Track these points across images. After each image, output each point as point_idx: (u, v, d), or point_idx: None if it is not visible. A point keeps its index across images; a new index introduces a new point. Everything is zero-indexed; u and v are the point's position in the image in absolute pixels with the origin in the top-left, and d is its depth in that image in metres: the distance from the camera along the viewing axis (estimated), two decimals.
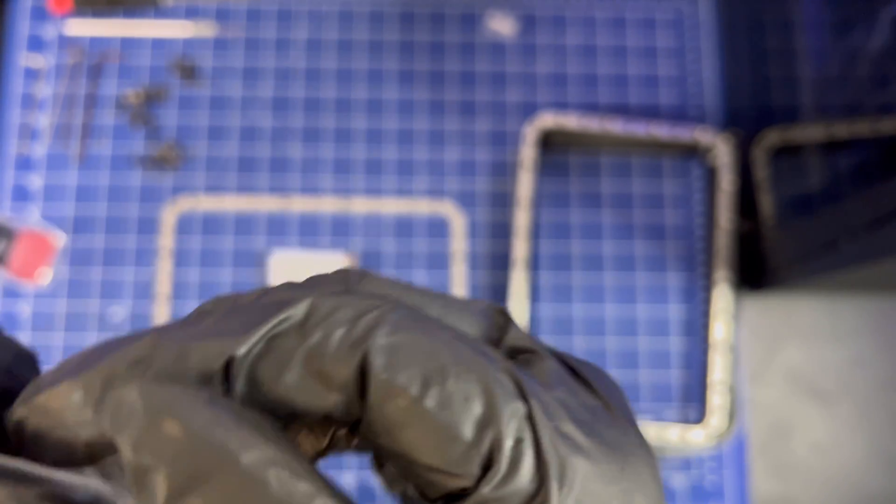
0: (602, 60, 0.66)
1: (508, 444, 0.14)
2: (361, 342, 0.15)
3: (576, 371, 0.17)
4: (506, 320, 0.18)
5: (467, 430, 0.14)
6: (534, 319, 0.61)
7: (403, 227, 0.63)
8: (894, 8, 0.60)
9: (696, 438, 0.58)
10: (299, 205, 0.63)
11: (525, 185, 0.61)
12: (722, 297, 0.60)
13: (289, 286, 0.17)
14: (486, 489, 0.14)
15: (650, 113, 0.65)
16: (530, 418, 0.15)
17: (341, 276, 0.17)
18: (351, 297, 0.16)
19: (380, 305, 0.15)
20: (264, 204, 0.62)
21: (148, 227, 0.62)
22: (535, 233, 0.63)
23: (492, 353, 0.16)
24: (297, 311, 0.15)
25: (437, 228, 0.63)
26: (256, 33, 0.65)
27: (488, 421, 0.14)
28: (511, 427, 0.14)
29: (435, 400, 0.14)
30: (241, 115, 0.64)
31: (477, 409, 0.14)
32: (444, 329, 0.16)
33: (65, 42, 0.64)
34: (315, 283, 0.17)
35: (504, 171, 0.64)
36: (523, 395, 0.15)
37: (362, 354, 0.15)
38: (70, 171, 0.63)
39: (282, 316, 0.15)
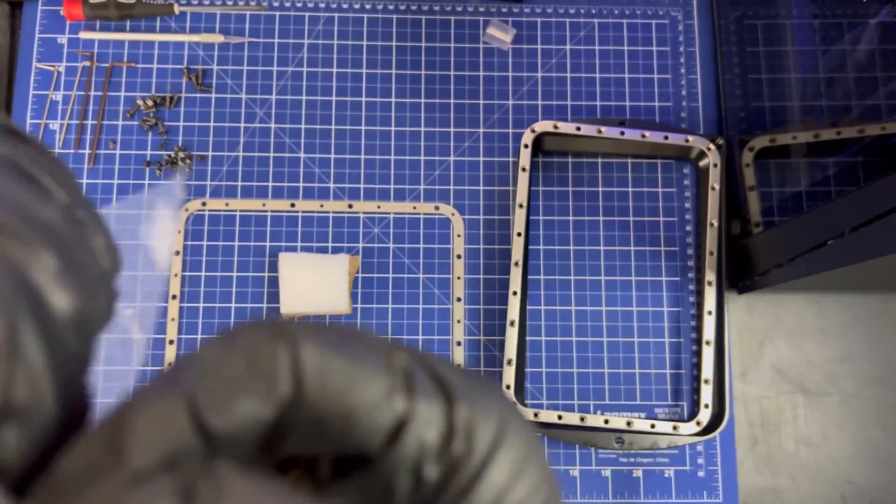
0: (598, 67, 0.67)
1: (412, 368, 0.17)
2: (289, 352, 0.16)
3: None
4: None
5: (381, 371, 0.17)
6: (531, 320, 0.63)
7: (404, 229, 0.64)
8: (881, 14, 0.62)
9: (687, 433, 0.60)
10: (304, 207, 0.64)
11: (523, 188, 0.63)
12: (712, 296, 0.62)
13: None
14: (420, 413, 0.16)
15: (644, 118, 0.67)
16: (414, 354, 0.18)
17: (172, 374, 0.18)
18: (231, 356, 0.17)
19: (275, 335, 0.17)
20: (270, 206, 0.64)
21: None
22: (533, 235, 0.64)
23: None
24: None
25: (438, 230, 0.64)
26: (262, 40, 0.67)
27: (390, 354, 0.17)
28: (406, 360, 0.17)
29: (350, 351, 0.17)
30: (247, 120, 0.66)
31: (378, 356, 0.17)
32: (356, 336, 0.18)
33: (77, 48, 0.66)
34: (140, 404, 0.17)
35: (503, 174, 0.65)
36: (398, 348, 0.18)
37: (292, 368, 0.16)
38: (81, 175, 0.64)
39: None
